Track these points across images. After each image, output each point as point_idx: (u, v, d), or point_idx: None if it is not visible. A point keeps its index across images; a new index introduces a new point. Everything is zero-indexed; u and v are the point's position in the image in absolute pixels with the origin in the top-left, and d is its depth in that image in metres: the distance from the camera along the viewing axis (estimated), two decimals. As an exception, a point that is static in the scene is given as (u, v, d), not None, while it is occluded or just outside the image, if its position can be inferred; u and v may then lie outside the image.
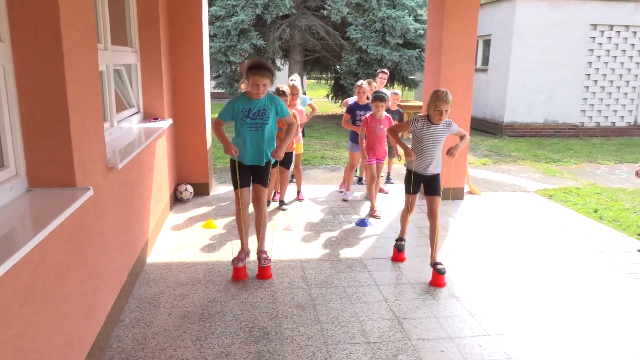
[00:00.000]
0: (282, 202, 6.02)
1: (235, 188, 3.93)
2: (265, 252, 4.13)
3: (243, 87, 6.79)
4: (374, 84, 6.87)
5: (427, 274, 4.17)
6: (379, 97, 5.58)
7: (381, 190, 6.74)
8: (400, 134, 4.30)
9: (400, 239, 4.49)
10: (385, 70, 7.59)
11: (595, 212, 6.34)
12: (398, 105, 7.17)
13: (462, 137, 4.04)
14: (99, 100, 2.99)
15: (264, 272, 4.06)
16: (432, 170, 4.03)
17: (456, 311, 3.58)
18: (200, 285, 3.89)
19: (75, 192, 2.50)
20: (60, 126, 2.46)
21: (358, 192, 6.75)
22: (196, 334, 3.20)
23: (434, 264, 4.05)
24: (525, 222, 5.71)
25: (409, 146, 4.07)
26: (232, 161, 3.89)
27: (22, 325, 1.92)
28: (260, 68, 3.60)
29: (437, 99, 3.77)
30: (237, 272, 4.03)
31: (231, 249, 4.61)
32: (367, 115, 5.75)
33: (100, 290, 2.94)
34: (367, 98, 6.19)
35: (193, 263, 4.30)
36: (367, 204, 6.17)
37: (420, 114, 4.07)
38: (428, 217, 4.09)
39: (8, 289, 1.80)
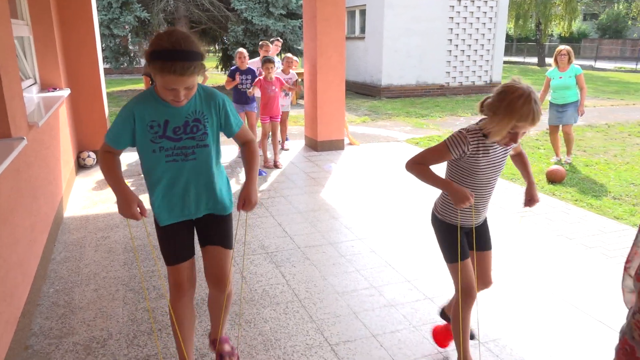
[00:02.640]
0: None
1: (169, 264, 2.23)
2: (228, 341, 2.54)
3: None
4: (271, 46, 7.68)
5: (314, 204, 5.10)
6: (267, 60, 6.37)
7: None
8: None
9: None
10: (279, 38, 8.45)
11: (450, 152, 7.71)
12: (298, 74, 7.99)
13: (519, 155, 2.43)
14: (17, 67, 3.43)
15: None
16: (483, 217, 2.42)
17: (335, 227, 4.54)
18: (119, 229, 4.47)
19: (13, 142, 2.99)
20: (-7, 87, 2.93)
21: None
22: (123, 261, 3.83)
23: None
24: (394, 164, 6.87)
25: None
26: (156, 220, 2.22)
27: (-5, 237, 2.48)
28: (175, 58, 1.79)
29: (522, 115, 1.98)
30: None
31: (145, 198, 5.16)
32: (260, 78, 6.49)
33: (36, 230, 3.45)
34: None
35: (108, 214, 4.83)
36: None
37: (466, 128, 2.18)
38: (477, 284, 2.43)
39: (-17, 207, 2.36)
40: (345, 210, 4.98)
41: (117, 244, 4.14)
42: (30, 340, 2.82)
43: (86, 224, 4.58)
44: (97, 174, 6.16)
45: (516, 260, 3.85)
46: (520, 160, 2.41)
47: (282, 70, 7.29)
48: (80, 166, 6.44)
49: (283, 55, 7.80)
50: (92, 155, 6.50)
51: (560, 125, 6.92)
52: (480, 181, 2.24)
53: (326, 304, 3.25)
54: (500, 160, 2.24)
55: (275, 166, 6.55)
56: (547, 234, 4.37)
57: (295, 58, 8.04)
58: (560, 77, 6.68)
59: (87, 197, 5.33)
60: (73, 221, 4.64)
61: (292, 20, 15.09)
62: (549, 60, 29.34)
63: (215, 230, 2.29)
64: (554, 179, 6.15)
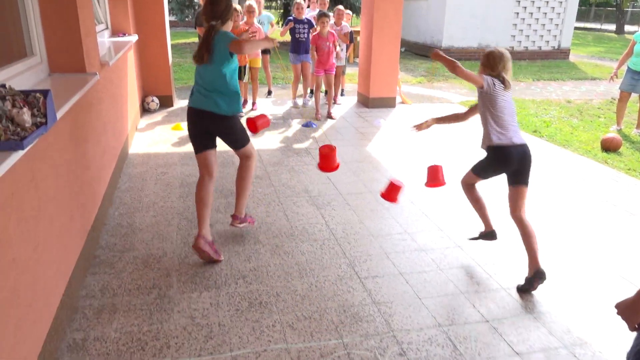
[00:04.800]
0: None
1: (248, 140, 3.36)
2: (208, 241, 3.18)
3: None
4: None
5: (359, 156, 5.28)
6: (323, 14, 6.49)
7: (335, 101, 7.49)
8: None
9: (488, 233, 3.37)
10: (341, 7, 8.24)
11: (503, 116, 7.60)
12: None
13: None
14: (92, 7, 3.75)
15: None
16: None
17: (377, 177, 4.72)
18: (177, 166, 4.84)
19: (86, 76, 3.33)
20: (72, 24, 3.25)
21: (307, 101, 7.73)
22: (178, 193, 4.19)
23: (536, 271, 2.89)
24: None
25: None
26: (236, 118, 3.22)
27: (73, 150, 2.84)
28: None
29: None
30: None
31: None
32: (314, 34, 6.63)
33: (105, 158, 3.84)
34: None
35: (168, 153, 5.22)
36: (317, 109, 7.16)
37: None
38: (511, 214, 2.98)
39: (62, 125, 2.70)
40: (389, 163, 5.13)
41: (174, 179, 4.51)
42: (98, 252, 3.23)
43: (148, 160, 4.99)
44: (160, 118, 6.59)
45: (556, 223, 3.91)
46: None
47: (335, 23, 7.34)
48: (144, 110, 6.88)
49: (334, 9, 7.79)
50: (156, 100, 6.92)
51: (638, 96, 6.59)
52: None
53: (360, 244, 3.47)
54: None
55: (329, 117, 6.76)
56: (592, 200, 4.36)
57: (347, 11, 8.04)
58: None
59: (149, 137, 5.75)
60: (137, 157, 5.06)
61: (354, -24, 14.88)
62: (628, 27, 27.38)
63: None
64: (609, 146, 5.99)
